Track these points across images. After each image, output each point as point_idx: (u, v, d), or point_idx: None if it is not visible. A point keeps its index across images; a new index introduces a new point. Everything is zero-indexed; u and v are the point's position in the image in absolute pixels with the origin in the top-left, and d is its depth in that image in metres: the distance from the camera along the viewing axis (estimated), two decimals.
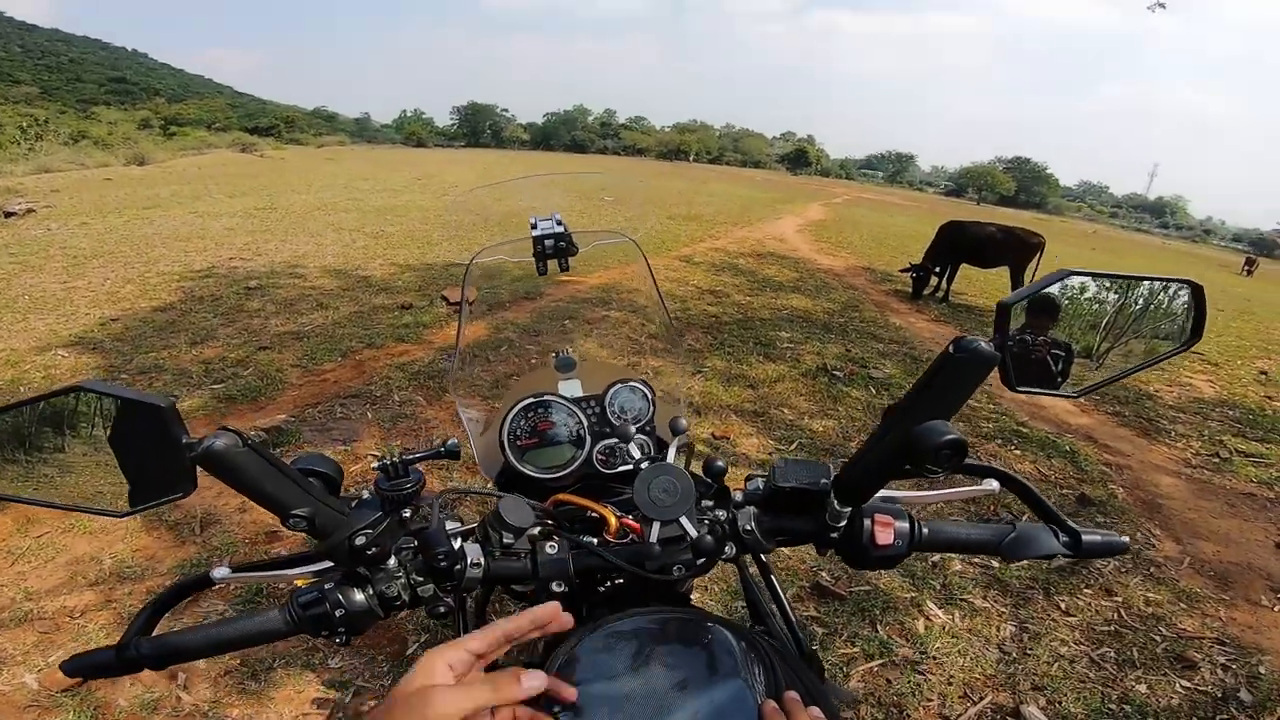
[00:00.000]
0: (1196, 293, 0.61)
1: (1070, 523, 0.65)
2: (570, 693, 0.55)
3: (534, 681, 0.49)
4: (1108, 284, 0.63)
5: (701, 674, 0.59)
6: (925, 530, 0.65)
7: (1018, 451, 3.62)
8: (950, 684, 1.98)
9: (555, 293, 5.74)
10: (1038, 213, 73.31)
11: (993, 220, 8.70)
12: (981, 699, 1.93)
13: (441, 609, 0.64)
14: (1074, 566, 2.58)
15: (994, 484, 0.71)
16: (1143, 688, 2.04)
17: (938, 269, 7.73)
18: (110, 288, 5.43)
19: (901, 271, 8.00)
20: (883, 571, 2.43)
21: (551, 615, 0.56)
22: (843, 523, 0.65)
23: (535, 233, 0.96)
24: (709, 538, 0.68)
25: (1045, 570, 2.53)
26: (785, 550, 2.48)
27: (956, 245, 7.69)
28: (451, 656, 0.50)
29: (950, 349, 0.53)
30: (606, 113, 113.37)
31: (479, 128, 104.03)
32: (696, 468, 0.78)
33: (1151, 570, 2.66)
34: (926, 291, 7.75)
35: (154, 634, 0.60)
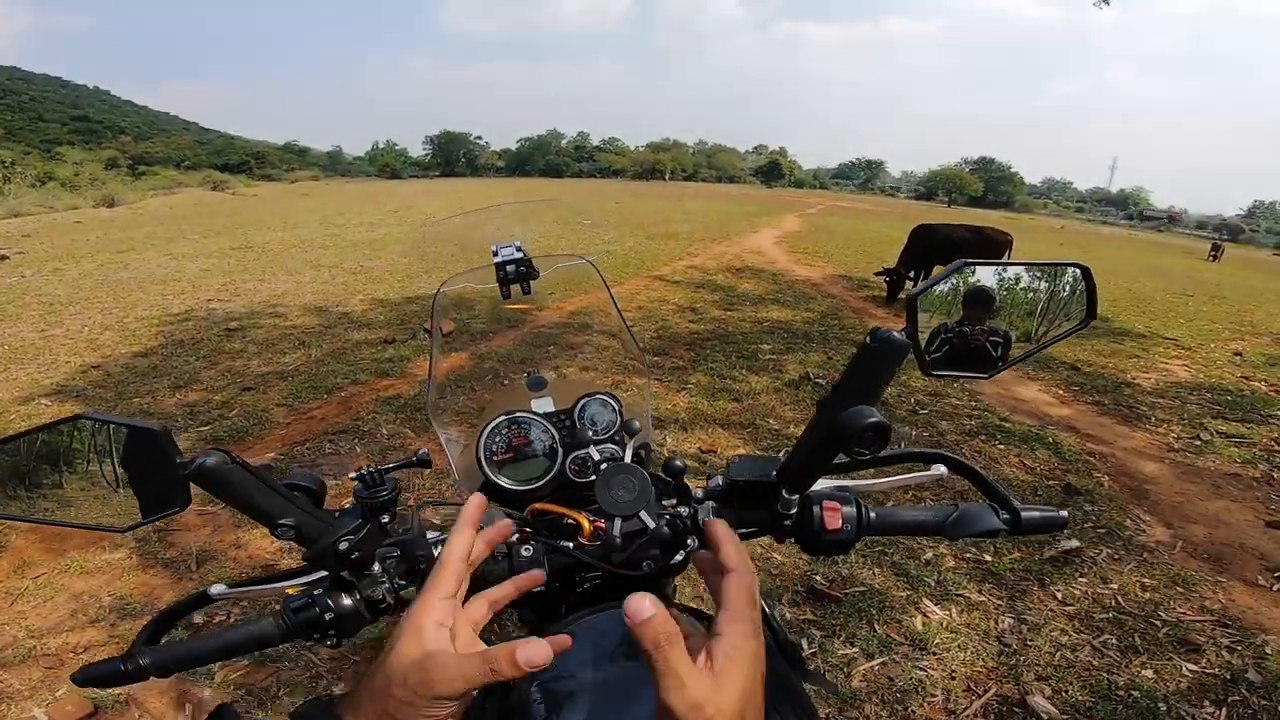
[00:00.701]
0: (1086, 274, 0.66)
1: (1013, 501, 0.68)
2: (564, 641, 0.53)
3: (534, 654, 0.44)
4: (1008, 271, 0.67)
5: None
6: (873, 515, 0.69)
7: (1002, 446, 3.68)
8: (953, 678, 1.99)
9: (537, 320, 5.75)
10: (1006, 211, 75.00)
11: (964, 221, 8.92)
12: (986, 691, 1.95)
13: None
14: (1066, 556, 2.61)
15: (941, 468, 0.75)
16: (1149, 673, 2.05)
17: (911, 272, 7.88)
18: (89, 335, 5.37)
19: (876, 275, 8.15)
20: (875, 570, 2.46)
21: (501, 530, 0.58)
22: (793, 510, 0.69)
23: (497, 259, 1.02)
24: (666, 530, 0.72)
25: (1039, 561, 2.57)
26: (778, 555, 2.51)
27: (928, 247, 7.86)
28: (438, 613, 0.47)
29: (867, 340, 0.57)
30: (580, 135, 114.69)
31: (453, 156, 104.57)
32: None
33: (1145, 556, 2.69)
34: (902, 295, 7.88)
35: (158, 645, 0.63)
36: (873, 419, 0.54)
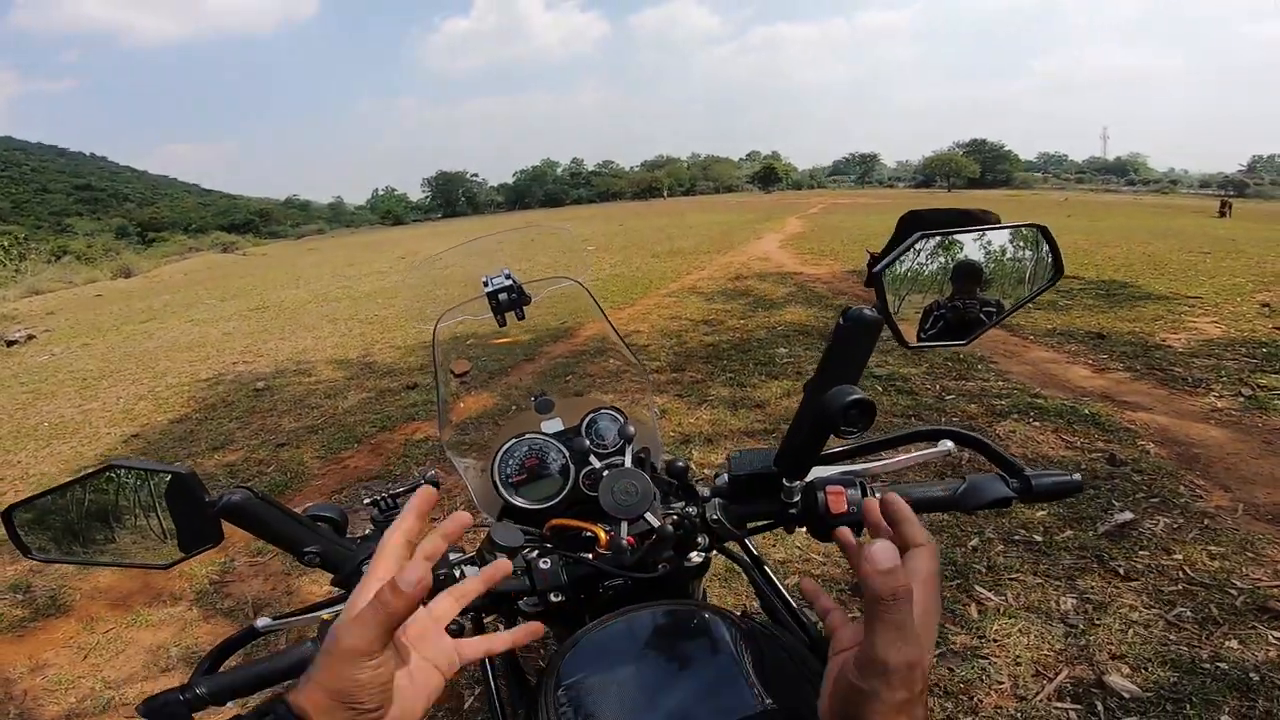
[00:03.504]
0: (1045, 233, 0.68)
1: (1025, 469, 0.68)
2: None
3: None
4: (966, 238, 0.69)
5: (692, 656, 0.65)
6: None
7: (1037, 424, 3.61)
8: (1018, 664, 1.94)
9: (552, 350, 5.79)
10: (1007, 189, 74.53)
11: (967, 204, 8.88)
12: (1057, 674, 1.89)
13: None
14: (1121, 530, 2.55)
15: (949, 444, 0.75)
16: (1234, 643, 1.96)
17: None
18: (124, 406, 5.50)
19: (868, 267, 8.13)
20: None
21: (428, 500, 0.53)
22: (797, 498, 0.69)
23: (488, 289, 1.06)
24: (671, 529, 0.73)
25: (1094, 538, 2.51)
26: (816, 557, 2.48)
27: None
28: (372, 594, 0.46)
29: (840, 320, 0.58)
30: (574, 162, 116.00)
31: (453, 197, 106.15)
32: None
33: (1206, 523, 2.58)
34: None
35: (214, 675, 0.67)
36: (854, 396, 0.54)
